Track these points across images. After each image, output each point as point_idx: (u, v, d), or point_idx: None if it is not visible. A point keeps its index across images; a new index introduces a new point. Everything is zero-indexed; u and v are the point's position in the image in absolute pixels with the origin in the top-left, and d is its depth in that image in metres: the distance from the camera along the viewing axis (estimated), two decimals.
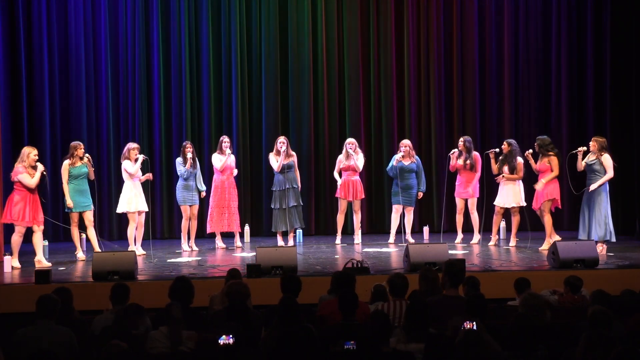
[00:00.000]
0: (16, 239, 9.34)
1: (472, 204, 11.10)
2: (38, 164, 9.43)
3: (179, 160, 10.76)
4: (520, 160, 10.57)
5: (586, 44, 12.80)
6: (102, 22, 12.27)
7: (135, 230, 10.36)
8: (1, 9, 11.89)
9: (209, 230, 11.09)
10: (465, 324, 5.24)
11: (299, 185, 11.14)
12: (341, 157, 11.25)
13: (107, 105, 12.31)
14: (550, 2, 12.89)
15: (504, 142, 10.81)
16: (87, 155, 10.01)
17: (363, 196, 11.39)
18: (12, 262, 9.23)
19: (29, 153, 9.37)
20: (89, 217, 10.07)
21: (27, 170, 9.30)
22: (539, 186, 10.27)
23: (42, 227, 9.53)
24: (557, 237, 10.23)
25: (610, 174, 9.80)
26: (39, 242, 9.46)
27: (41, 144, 12.12)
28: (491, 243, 10.79)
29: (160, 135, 12.41)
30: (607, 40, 12.55)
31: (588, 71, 12.80)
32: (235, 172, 11.08)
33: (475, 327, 5.10)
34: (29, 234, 9.60)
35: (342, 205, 11.28)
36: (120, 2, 12.32)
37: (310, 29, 12.66)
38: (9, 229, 11.60)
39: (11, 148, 11.93)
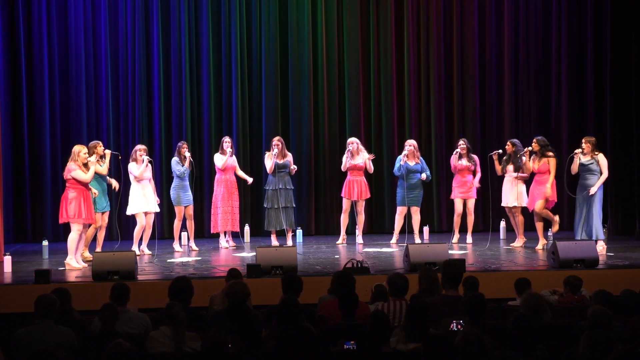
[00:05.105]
0: (74, 237, 9.17)
1: (472, 205, 11.11)
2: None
3: (175, 159, 10.73)
4: (524, 159, 10.53)
5: (586, 43, 12.80)
6: (102, 22, 12.28)
7: (142, 231, 10.35)
8: (1, 9, 11.90)
9: (213, 230, 11.06)
10: (452, 323, 5.27)
11: (293, 187, 11.11)
12: (346, 157, 11.19)
13: (107, 105, 12.32)
14: (551, 2, 12.90)
15: (508, 142, 10.77)
16: (90, 159, 9.78)
17: (368, 196, 11.35)
18: (69, 262, 9.14)
19: (79, 152, 9.24)
20: (105, 218, 10.10)
21: (80, 167, 9.21)
22: (548, 192, 10.21)
23: (89, 226, 9.53)
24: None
25: (605, 174, 9.83)
26: (83, 239, 9.42)
27: (41, 144, 12.14)
28: (516, 244, 10.71)
29: (160, 136, 12.41)
30: (607, 40, 12.54)
31: (588, 71, 12.80)
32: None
33: (462, 327, 5.13)
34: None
35: (346, 205, 11.24)
36: (120, 1, 12.32)
37: (310, 29, 12.66)
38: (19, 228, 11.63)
39: (11, 148, 11.94)
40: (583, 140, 10.03)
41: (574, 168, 10.02)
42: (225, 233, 11.06)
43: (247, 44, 12.63)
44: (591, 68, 12.76)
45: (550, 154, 10.32)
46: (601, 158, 9.85)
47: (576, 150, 10.04)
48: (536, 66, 12.96)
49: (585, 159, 9.90)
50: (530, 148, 10.39)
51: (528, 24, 12.96)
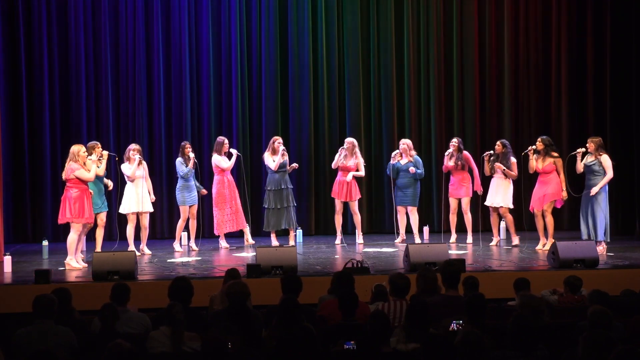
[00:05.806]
0: (74, 238, 9.15)
1: (466, 204, 11.09)
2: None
3: (180, 160, 10.75)
4: (513, 160, 10.54)
5: (586, 44, 12.80)
6: (102, 22, 12.27)
7: (134, 231, 10.35)
8: (1, 9, 11.90)
9: (217, 232, 11.05)
10: (452, 323, 5.27)
11: (292, 185, 11.12)
12: (338, 155, 11.22)
13: (108, 106, 12.31)
14: (550, 2, 12.89)
15: (498, 142, 10.79)
16: (90, 157, 9.77)
17: (359, 196, 11.35)
18: (69, 262, 9.13)
19: (79, 151, 9.21)
20: (102, 218, 10.10)
21: (82, 166, 9.19)
22: (564, 195, 10.24)
23: (89, 225, 9.55)
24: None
25: (610, 174, 9.79)
26: (83, 239, 9.47)
27: (41, 144, 12.13)
28: (492, 243, 10.78)
29: (160, 136, 12.41)
30: (607, 41, 12.55)
31: (588, 71, 12.80)
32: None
33: (461, 327, 5.13)
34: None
35: (338, 205, 11.27)
36: (121, 2, 12.32)
37: (310, 29, 12.66)
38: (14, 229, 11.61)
39: (11, 148, 11.94)
40: (588, 141, 10.01)
41: (579, 168, 9.98)
42: (241, 232, 11.07)
43: (247, 44, 12.63)
44: (591, 68, 12.76)
45: (555, 154, 10.30)
46: (605, 159, 9.80)
47: (578, 150, 10.02)
48: (536, 66, 12.95)
49: (589, 160, 9.87)
50: (534, 147, 10.37)
51: (528, 24, 12.96)
